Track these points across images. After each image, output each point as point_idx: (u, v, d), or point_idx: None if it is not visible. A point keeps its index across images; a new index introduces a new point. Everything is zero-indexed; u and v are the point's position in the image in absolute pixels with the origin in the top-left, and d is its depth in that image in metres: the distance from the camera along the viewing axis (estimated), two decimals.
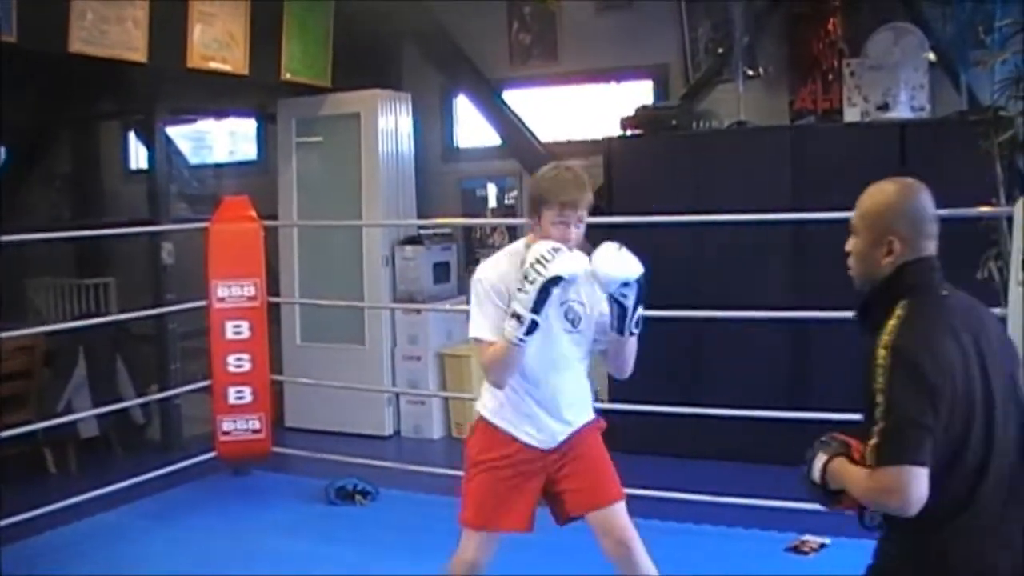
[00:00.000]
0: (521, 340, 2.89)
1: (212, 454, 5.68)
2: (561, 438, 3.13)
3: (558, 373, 3.09)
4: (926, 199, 2.18)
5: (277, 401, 6.36)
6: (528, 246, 3.00)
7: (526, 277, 2.86)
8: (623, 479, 3.19)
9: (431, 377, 6.68)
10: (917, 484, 1.94)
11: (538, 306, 2.86)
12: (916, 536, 2.05)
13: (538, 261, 2.85)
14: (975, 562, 2.03)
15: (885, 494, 1.98)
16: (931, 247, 2.16)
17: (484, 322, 3.03)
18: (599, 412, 3.33)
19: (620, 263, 2.89)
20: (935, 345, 2.01)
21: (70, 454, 5.96)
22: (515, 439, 3.11)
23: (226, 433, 5.60)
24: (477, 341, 3.05)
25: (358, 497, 5.27)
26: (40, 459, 5.84)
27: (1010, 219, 4.39)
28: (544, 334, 2.96)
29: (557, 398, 3.11)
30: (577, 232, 3.04)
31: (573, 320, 3.06)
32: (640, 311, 2.96)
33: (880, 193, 2.20)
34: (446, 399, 6.67)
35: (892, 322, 2.05)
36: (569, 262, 2.89)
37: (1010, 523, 2.06)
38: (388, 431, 6.80)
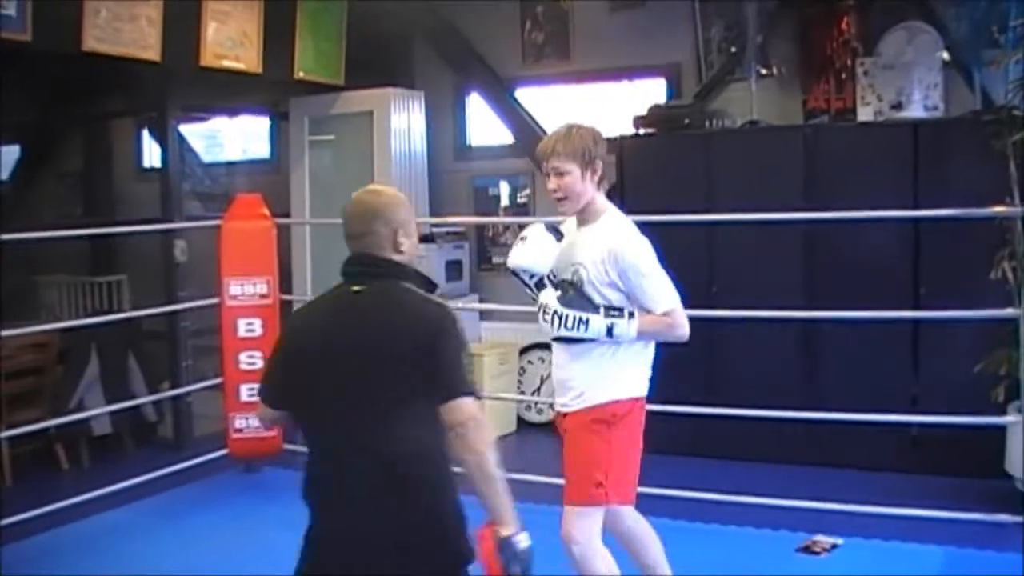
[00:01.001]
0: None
1: (224, 451, 5.69)
2: (561, 409, 3.17)
3: (560, 349, 3.13)
4: (351, 205, 2.45)
5: None
6: None
7: None
8: None
9: None
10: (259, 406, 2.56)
11: (530, 291, 3.07)
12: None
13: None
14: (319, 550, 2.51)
15: None
16: (350, 246, 2.44)
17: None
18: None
19: (520, 253, 3.04)
20: (296, 327, 2.57)
21: (82, 451, 5.99)
22: None
23: (238, 430, 5.61)
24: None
25: None
26: (52, 455, 5.86)
27: None
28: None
29: (556, 372, 3.16)
30: (560, 181, 3.09)
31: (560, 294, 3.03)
32: (555, 306, 2.98)
33: None
34: None
35: None
36: (519, 254, 3.01)
37: (347, 523, 2.47)
38: None
